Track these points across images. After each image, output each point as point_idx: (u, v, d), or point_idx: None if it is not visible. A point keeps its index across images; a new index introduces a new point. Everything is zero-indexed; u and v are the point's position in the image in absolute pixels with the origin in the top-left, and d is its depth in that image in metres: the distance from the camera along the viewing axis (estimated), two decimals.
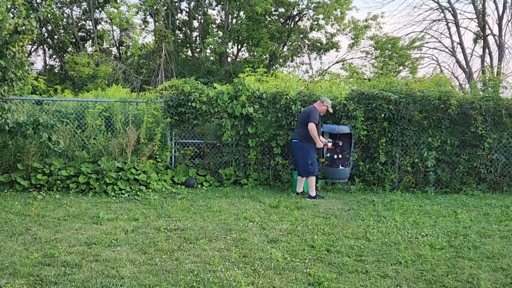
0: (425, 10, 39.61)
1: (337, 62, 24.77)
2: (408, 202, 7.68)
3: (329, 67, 25.05)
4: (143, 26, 22.89)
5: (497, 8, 21.23)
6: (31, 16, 7.41)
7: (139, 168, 8.13)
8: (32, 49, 23.23)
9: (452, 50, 21.29)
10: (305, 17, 23.18)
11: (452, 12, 21.07)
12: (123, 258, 4.44)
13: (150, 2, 19.54)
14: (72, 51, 21.73)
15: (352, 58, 27.93)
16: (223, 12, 22.46)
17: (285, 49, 23.41)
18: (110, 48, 23.00)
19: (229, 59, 22.37)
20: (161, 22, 19.77)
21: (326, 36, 23.63)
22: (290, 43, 23.20)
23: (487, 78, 10.35)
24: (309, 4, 22.31)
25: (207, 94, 9.04)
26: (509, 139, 9.01)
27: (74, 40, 21.85)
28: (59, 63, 22.97)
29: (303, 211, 6.87)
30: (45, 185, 7.85)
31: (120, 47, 23.17)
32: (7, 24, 6.92)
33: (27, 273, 3.99)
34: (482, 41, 20.98)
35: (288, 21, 23.28)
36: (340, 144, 8.93)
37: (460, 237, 5.53)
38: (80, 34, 22.63)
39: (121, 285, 3.78)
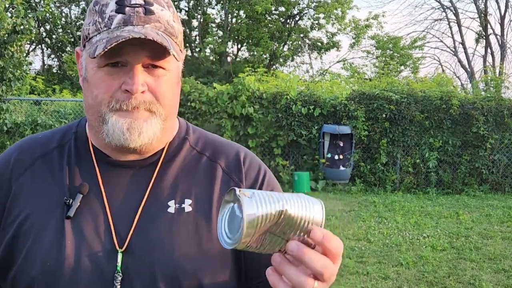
0: (426, 9, 39.72)
1: (338, 62, 24.73)
2: (410, 203, 7.64)
3: (330, 67, 25.02)
4: None
5: (499, 8, 21.26)
6: (30, 15, 7.38)
7: None
8: (30, 48, 23.17)
9: (454, 49, 21.25)
10: (305, 16, 23.15)
11: (454, 11, 21.03)
12: None
13: None
14: (71, 50, 21.69)
15: (353, 58, 27.98)
16: (223, 11, 22.43)
17: (285, 49, 23.37)
18: None
19: (229, 58, 22.34)
20: None
21: (327, 36, 23.60)
22: (290, 42, 23.16)
23: (489, 78, 10.32)
24: (310, 3, 22.27)
25: (207, 94, 8.99)
26: (511, 140, 8.96)
27: (72, 40, 21.81)
28: (58, 63, 22.95)
29: None
30: None
31: None
32: (5, 23, 6.88)
33: None
34: (484, 40, 20.93)
35: (288, 21, 23.23)
36: (341, 144, 8.89)
37: (462, 238, 5.50)
38: (78, 33, 22.52)
39: None
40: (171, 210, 0.90)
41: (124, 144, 0.86)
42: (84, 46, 0.88)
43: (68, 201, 0.88)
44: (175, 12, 0.91)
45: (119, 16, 0.83)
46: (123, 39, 0.79)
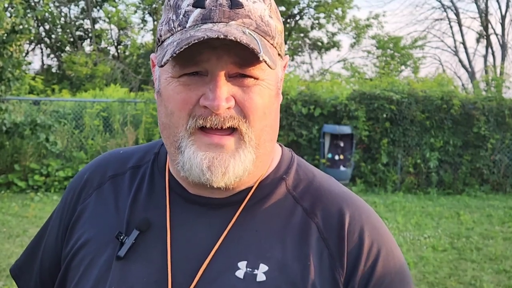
0: (427, 9, 39.64)
1: (338, 62, 24.69)
2: (410, 203, 7.62)
3: (330, 67, 24.99)
4: (141, 25, 22.85)
5: (500, 7, 21.25)
6: (29, 15, 7.35)
7: None
8: (30, 48, 23.18)
9: (454, 49, 21.23)
10: (305, 15, 23.14)
11: (455, 11, 21.01)
12: None
13: (148, 0, 19.48)
14: (70, 50, 21.68)
15: (353, 58, 27.88)
16: None
17: (285, 48, 23.40)
18: (108, 48, 22.95)
19: None
20: None
21: (327, 35, 23.58)
22: (290, 42, 23.15)
23: (490, 78, 10.29)
24: (310, 3, 22.26)
25: None
26: None
27: (72, 39, 21.81)
28: (57, 63, 22.94)
29: None
30: (42, 186, 7.79)
31: (118, 46, 23.13)
32: (4, 23, 6.86)
33: None
34: (485, 40, 20.91)
35: (288, 20, 23.22)
36: (342, 145, 8.87)
37: (463, 239, 5.47)
38: (78, 33, 22.57)
39: None
40: (240, 274, 0.68)
41: (205, 183, 0.68)
42: (157, 51, 0.71)
43: (122, 237, 0.72)
44: (273, 4, 0.72)
45: (197, 11, 0.65)
46: (196, 40, 0.60)
